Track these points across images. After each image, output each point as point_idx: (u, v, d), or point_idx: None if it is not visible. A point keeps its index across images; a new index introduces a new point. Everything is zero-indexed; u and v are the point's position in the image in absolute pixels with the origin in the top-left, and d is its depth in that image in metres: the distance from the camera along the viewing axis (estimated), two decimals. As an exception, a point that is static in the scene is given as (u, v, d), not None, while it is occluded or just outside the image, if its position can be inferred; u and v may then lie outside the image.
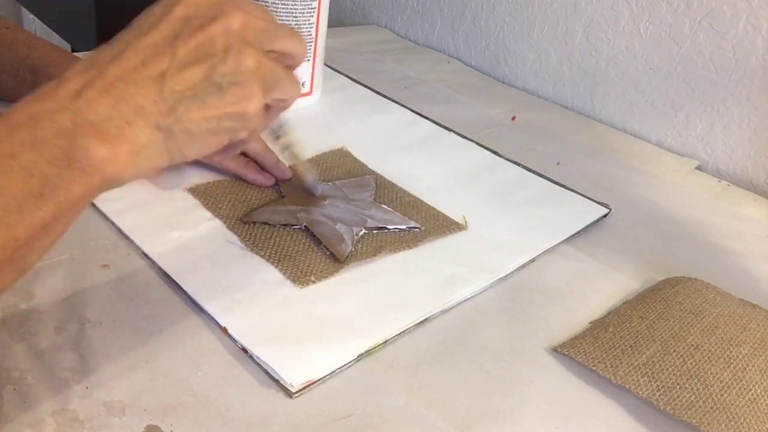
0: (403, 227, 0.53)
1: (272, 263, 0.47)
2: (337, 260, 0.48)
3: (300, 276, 0.46)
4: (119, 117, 0.31)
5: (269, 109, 0.37)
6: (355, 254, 0.49)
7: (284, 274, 0.47)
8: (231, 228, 0.50)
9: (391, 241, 0.52)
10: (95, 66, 0.31)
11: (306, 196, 0.55)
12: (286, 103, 0.38)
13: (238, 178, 0.56)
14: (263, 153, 0.56)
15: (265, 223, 0.51)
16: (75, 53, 0.69)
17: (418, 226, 0.53)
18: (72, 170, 0.29)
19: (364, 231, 0.52)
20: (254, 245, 0.49)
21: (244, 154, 0.56)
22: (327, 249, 0.49)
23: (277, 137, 0.47)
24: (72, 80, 0.31)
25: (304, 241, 0.50)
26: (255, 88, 0.34)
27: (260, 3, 0.65)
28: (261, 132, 0.39)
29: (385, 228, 0.53)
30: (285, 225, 0.51)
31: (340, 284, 0.47)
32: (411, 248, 0.51)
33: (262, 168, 0.57)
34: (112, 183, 0.31)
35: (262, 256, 0.48)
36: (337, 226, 0.51)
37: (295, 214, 0.52)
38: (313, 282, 0.46)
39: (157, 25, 0.33)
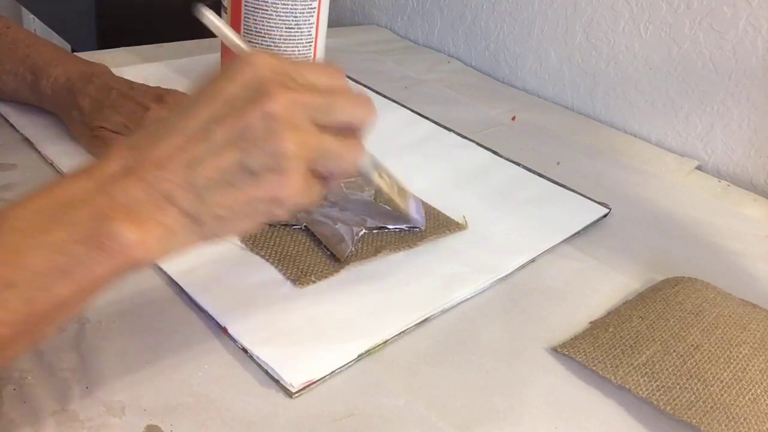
0: (404, 227, 0.53)
1: (272, 263, 0.47)
2: (337, 260, 0.48)
3: (300, 276, 0.46)
4: (151, 202, 0.31)
5: (327, 179, 0.35)
6: (356, 254, 0.49)
7: (284, 274, 0.47)
8: None
9: (392, 240, 0.52)
10: (137, 148, 0.32)
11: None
12: (344, 173, 0.36)
13: None
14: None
15: (265, 223, 0.51)
16: (75, 53, 0.69)
17: (418, 226, 0.53)
18: (100, 252, 0.29)
19: (364, 231, 0.52)
20: (254, 245, 0.49)
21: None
22: (327, 249, 0.49)
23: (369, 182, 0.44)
24: (114, 160, 0.31)
25: (304, 241, 0.50)
26: (294, 172, 0.32)
27: (260, 6, 0.65)
28: (314, 206, 0.36)
29: (385, 228, 0.52)
30: (285, 225, 0.51)
31: (340, 284, 0.47)
32: (411, 248, 0.51)
33: None
34: (138, 265, 0.31)
35: (262, 256, 0.48)
36: (337, 226, 0.51)
37: (295, 214, 0.52)
38: (313, 282, 0.46)
39: (201, 104, 0.32)
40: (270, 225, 0.51)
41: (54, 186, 0.31)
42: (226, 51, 0.70)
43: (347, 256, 0.49)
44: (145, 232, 0.30)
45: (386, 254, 0.50)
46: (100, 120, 0.54)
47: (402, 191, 0.48)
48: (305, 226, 0.51)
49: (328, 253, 0.49)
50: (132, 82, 0.59)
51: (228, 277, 0.46)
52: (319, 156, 0.33)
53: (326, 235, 0.50)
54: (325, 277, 0.47)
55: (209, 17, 0.37)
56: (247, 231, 0.34)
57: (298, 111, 0.32)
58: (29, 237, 0.29)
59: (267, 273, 0.47)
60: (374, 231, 0.52)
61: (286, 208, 0.34)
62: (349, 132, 0.36)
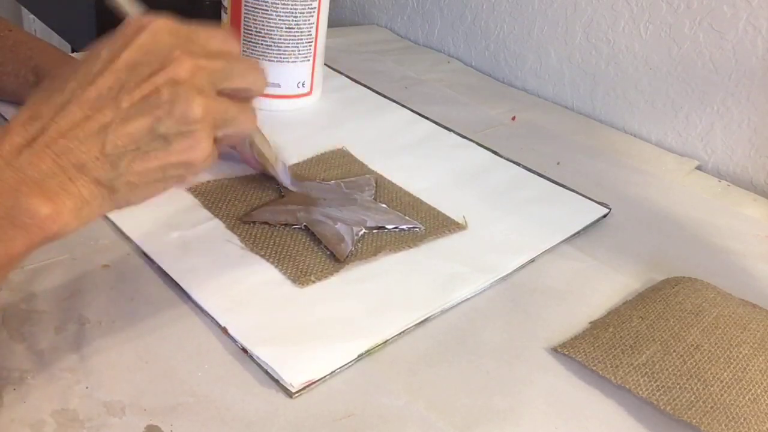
0: (403, 227, 0.53)
1: (272, 263, 0.47)
2: (337, 260, 0.48)
3: (300, 276, 0.46)
4: (61, 173, 0.31)
5: (223, 139, 0.36)
6: (356, 254, 0.49)
7: (284, 274, 0.47)
8: (231, 228, 0.50)
9: (391, 240, 0.52)
10: (39, 118, 0.31)
11: (306, 195, 0.55)
12: (242, 135, 0.37)
13: (239, 177, 0.56)
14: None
15: (265, 223, 0.51)
16: (75, 53, 0.69)
17: (418, 225, 0.53)
18: (14, 228, 0.30)
19: (364, 231, 0.52)
20: (254, 245, 0.49)
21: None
22: (327, 249, 0.49)
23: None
24: (16, 133, 0.31)
25: (304, 240, 0.50)
26: (202, 136, 0.33)
27: (259, 6, 0.65)
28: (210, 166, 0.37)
29: (385, 228, 0.53)
30: (285, 225, 0.51)
31: (340, 284, 0.47)
32: (411, 248, 0.51)
33: None
34: (54, 238, 0.31)
35: (262, 256, 0.48)
36: (337, 226, 0.51)
37: (295, 214, 0.52)
38: (313, 282, 0.46)
39: (103, 72, 0.32)
40: (270, 225, 0.51)
41: None
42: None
43: (347, 256, 0.49)
44: (58, 205, 0.30)
45: (386, 254, 0.50)
46: None
47: (275, 153, 0.53)
48: (305, 225, 0.51)
49: (328, 252, 0.49)
50: None
51: (228, 277, 0.46)
52: (221, 120, 0.34)
53: (326, 234, 0.50)
54: (325, 277, 0.47)
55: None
56: (157, 194, 0.35)
57: (202, 76, 0.33)
58: None
59: (267, 273, 0.47)
60: (374, 231, 0.52)
61: (196, 171, 0.34)
62: (243, 97, 0.36)
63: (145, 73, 0.32)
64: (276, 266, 0.47)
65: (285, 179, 0.55)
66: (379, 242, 0.51)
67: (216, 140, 0.35)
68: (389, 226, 0.53)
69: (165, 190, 0.35)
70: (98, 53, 0.32)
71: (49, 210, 0.30)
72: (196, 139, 0.33)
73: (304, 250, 0.49)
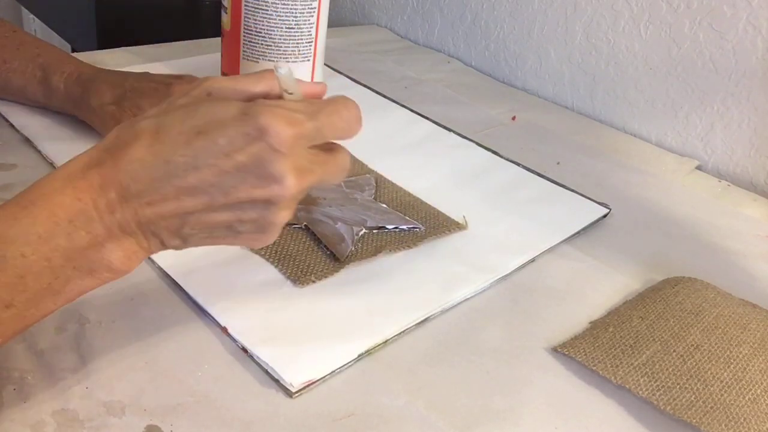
0: (404, 227, 0.53)
1: (272, 263, 0.47)
2: (337, 260, 0.48)
3: (300, 276, 0.46)
4: (140, 234, 0.33)
5: None
6: (356, 254, 0.49)
7: (284, 273, 0.47)
8: None
9: (391, 240, 0.52)
10: (137, 180, 0.32)
11: (306, 195, 0.54)
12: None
13: None
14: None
15: None
16: (75, 53, 0.69)
17: (418, 225, 0.53)
18: (91, 276, 0.32)
19: (364, 230, 0.52)
20: None
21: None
22: (327, 248, 0.49)
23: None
24: (112, 188, 0.32)
25: (304, 240, 0.50)
26: (274, 235, 0.35)
27: (260, 6, 0.65)
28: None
29: (385, 227, 0.53)
30: (285, 224, 0.51)
31: (340, 284, 0.47)
32: (411, 248, 0.51)
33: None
34: (116, 279, 0.34)
35: (262, 256, 0.48)
36: (337, 226, 0.51)
37: (296, 213, 0.52)
38: (313, 282, 0.46)
39: (212, 164, 0.32)
40: None
41: (52, 200, 0.31)
42: (226, 50, 0.70)
43: (347, 256, 0.49)
44: (130, 259, 0.33)
45: (386, 254, 0.50)
46: (127, 106, 0.55)
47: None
48: (305, 225, 0.51)
49: (328, 252, 0.49)
50: (145, 71, 0.62)
51: (228, 277, 0.46)
52: (309, 187, 0.35)
53: (326, 234, 0.50)
54: (325, 276, 0.47)
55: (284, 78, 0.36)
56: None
57: (300, 194, 0.34)
58: (32, 263, 0.30)
59: (267, 273, 0.47)
60: (374, 231, 0.52)
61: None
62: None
63: (249, 183, 0.32)
64: (276, 266, 0.47)
65: None
66: (379, 242, 0.51)
67: None
68: (389, 226, 0.53)
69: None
70: (216, 137, 0.32)
71: (123, 264, 0.33)
72: (268, 237, 0.35)
73: (304, 249, 0.49)
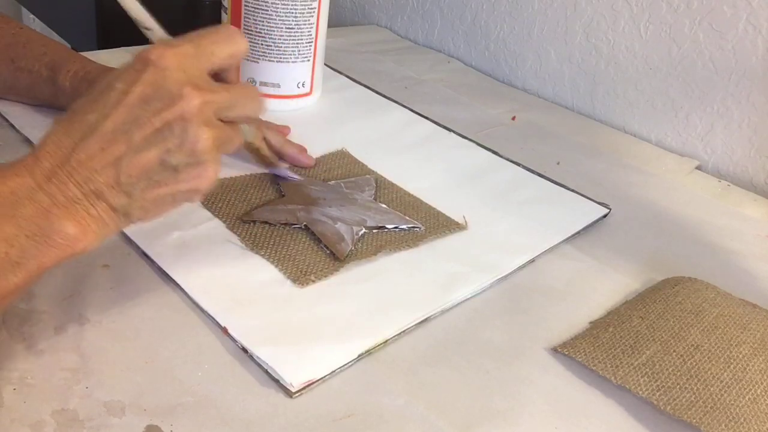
0: (403, 227, 0.53)
1: (272, 263, 0.47)
2: (337, 259, 0.48)
3: (300, 275, 0.46)
4: (84, 199, 0.34)
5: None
6: (355, 253, 0.49)
7: (284, 273, 0.47)
8: (231, 227, 0.50)
9: (391, 240, 0.52)
10: (62, 147, 0.34)
11: (306, 195, 0.55)
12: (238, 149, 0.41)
13: (239, 177, 0.56)
14: (285, 145, 0.59)
15: (265, 223, 0.51)
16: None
17: (418, 225, 0.53)
18: (47, 246, 0.33)
19: (364, 230, 0.52)
20: (254, 245, 0.49)
21: (268, 146, 0.59)
22: (327, 248, 0.49)
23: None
24: (45, 158, 0.34)
25: (304, 240, 0.50)
26: (210, 164, 0.36)
27: (260, 6, 0.65)
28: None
29: (385, 227, 0.53)
30: (285, 224, 0.51)
31: (340, 284, 0.47)
32: (411, 248, 0.51)
33: (287, 160, 0.60)
34: (78, 254, 0.35)
35: (262, 256, 0.48)
36: (337, 225, 0.51)
37: (295, 213, 0.52)
38: (313, 281, 0.46)
39: (117, 105, 0.34)
40: (270, 224, 0.51)
41: None
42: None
43: (347, 255, 0.49)
44: (83, 227, 0.34)
45: (386, 254, 0.50)
46: None
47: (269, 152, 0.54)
48: (305, 225, 0.51)
49: (328, 252, 0.49)
50: None
51: (228, 277, 0.46)
52: (224, 145, 0.37)
53: (326, 234, 0.50)
54: (325, 276, 0.47)
55: None
56: (166, 212, 0.38)
57: (208, 109, 0.36)
58: None
59: (267, 273, 0.47)
60: (374, 231, 0.52)
61: (203, 194, 0.38)
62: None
63: (156, 108, 0.34)
64: (276, 266, 0.47)
65: (286, 173, 0.56)
66: (378, 242, 0.51)
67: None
68: (389, 226, 0.53)
69: (174, 208, 0.38)
70: (113, 85, 0.35)
71: (76, 231, 0.34)
72: (204, 168, 0.36)
73: (304, 249, 0.49)
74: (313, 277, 0.47)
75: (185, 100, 0.34)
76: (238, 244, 0.49)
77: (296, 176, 0.57)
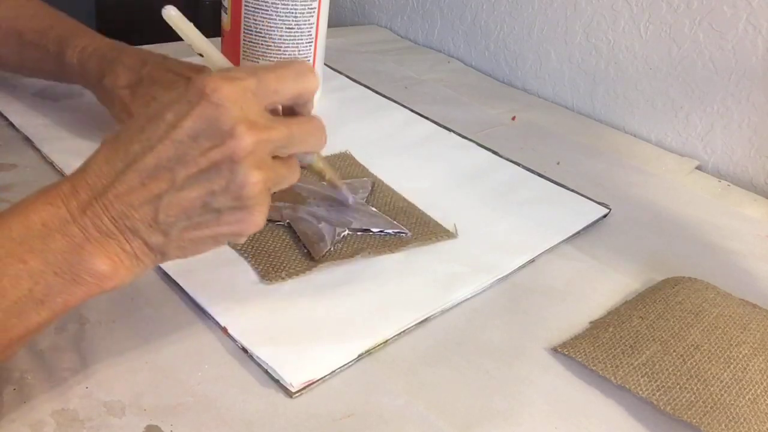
0: (389, 231, 0.52)
1: (245, 258, 0.47)
2: (312, 259, 0.48)
3: (271, 271, 0.46)
4: (119, 235, 0.32)
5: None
6: (333, 254, 0.49)
7: (255, 269, 0.46)
8: None
9: (374, 244, 0.51)
10: (102, 177, 0.32)
11: (296, 193, 0.54)
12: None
13: None
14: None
15: None
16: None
17: (405, 231, 0.53)
18: (75, 283, 0.31)
19: (347, 232, 0.51)
20: None
21: None
22: (305, 247, 0.49)
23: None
24: (83, 189, 0.32)
25: (284, 238, 0.50)
26: (257, 209, 0.33)
27: (260, 6, 0.65)
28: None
29: (370, 230, 0.52)
30: (269, 220, 0.51)
31: (340, 284, 0.47)
32: (393, 252, 0.51)
33: None
34: (108, 291, 0.33)
35: (238, 251, 0.48)
36: (320, 225, 0.51)
37: (281, 211, 0.51)
38: (284, 279, 0.46)
39: (163, 139, 0.32)
40: None
41: (26, 209, 0.31)
42: (226, 50, 0.70)
43: (323, 255, 0.48)
44: (115, 263, 0.32)
45: (365, 257, 0.49)
46: (141, 93, 0.54)
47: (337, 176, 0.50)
48: (288, 223, 0.51)
49: (305, 251, 0.49)
50: (163, 54, 0.58)
51: (228, 277, 0.46)
52: (275, 185, 0.35)
53: (307, 233, 0.50)
54: (297, 274, 0.46)
55: (175, 19, 0.36)
56: (205, 252, 0.36)
57: (262, 150, 0.32)
58: (7, 265, 0.30)
59: (267, 273, 0.47)
60: (358, 233, 0.52)
61: (246, 237, 0.35)
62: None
63: (205, 147, 0.31)
64: (248, 261, 0.47)
65: (347, 198, 0.54)
66: (360, 244, 0.51)
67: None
68: (374, 230, 0.52)
69: (215, 248, 0.36)
70: (163, 116, 0.32)
71: (108, 268, 0.32)
72: (250, 212, 0.33)
73: (281, 246, 0.49)
74: (283, 274, 0.46)
75: (237, 139, 0.31)
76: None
77: (354, 197, 0.54)
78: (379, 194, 0.58)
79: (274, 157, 0.34)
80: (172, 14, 0.36)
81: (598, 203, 0.62)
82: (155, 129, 0.32)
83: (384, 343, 0.43)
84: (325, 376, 0.39)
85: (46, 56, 0.57)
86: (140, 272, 0.34)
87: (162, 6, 0.37)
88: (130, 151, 0.32)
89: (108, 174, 0.32)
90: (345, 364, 0.41)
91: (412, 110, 0.76)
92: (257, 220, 0.34)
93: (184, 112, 0.31)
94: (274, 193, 0.54)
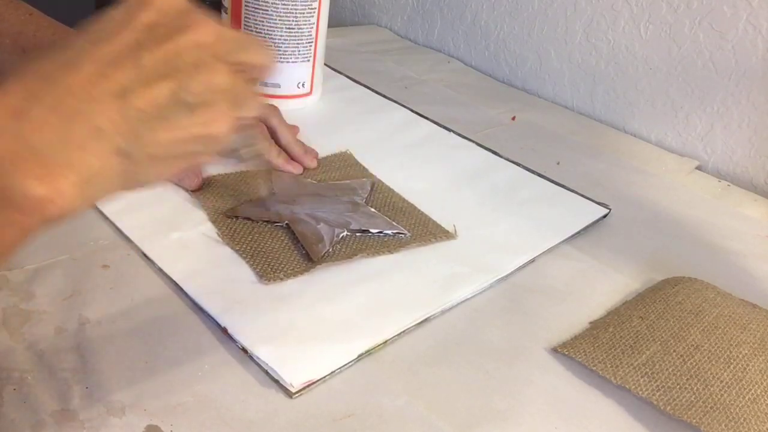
0: (388, 232, 0.52)
1: (244, 257, 0.47)
2: (311, 260, 0.48)
3: (269, 272, 0.46)
4: (70, 141, 0.26)
5: (236, 127, 0.33)
6: (331, 255, 0.49)
7: (254, 268, 0.46)
8: (213, 220, 0.50)
9: (373, 244, 0.51)
10: (41, 75, 0.26)
11: (295, 194, 0.54)
12: (250, 121, 0.33)
13: (235, 173, 0.56)
14: (293, 143, 0.59)
15: (248, 219, 0.51)
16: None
17: (404, 231, 0.52)
18: (6, 211, 0.25)
19: (346, 233, 0.51)
20: (231, 239, 0.49)
21: (276, 143, 0.58)
22: (303, 248, 0.49)
23: (239, 149, 0.43)
24: (12, 93, 0.26)
25: (282, 238, 0.50)
26: (225, 108, 0.30)
27: (260, 6, 0.65)
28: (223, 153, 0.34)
29: (369, 231, 0.52)
30: (267, 221, 0.51)
31: (340, 284, 0.47)
32: (391, 253, 0.51)
33: (291, 157, 0.59)
34: (55, 221, 0.26)
35: (236, 251, 0.48)
36: (319, 226, 0.51)
37: (279, 212, 0.51)
38: (282, 279, 0.46)
39: (118, 31, 0.28)
40: (252, 221, 0.50)
41: None
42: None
43: (322, 256, 0.48)
44: (57, 182, 0.26)
45: (362, 257, 0.49)
46: None
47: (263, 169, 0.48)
48: (287, 224, 0.51)
49: (304, 252, 0.49)
50: None
51: (228, 278, 0.46)
52: (240, 97, 0.31)
53: (305, 234, 0.50)
54: (295, 275, 0.46)
55: None
56: (170, 175, 0.31)
57: (224, 45, 0.30)
58: None
59: (267, 273, 0.47)
60: (357, 234, 0.51)
61: (215, 148, 0.31)
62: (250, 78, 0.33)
63: (165, 33, 0.28)
64: (247, 261, 0.47)
65: (266, 199, 0.53)
66: (359, 245, 0.50)
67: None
68: (373, 230, 0.52)
69: (179, 170, 0.31)
70: (109, 15, 0.29)
71: (45, 190, 0.25)
72: (220, 111, 0.30)
73: (280, 247, 0.49)
74: (282, 275, 0.46)
75: (198, 26, 0.29)
76: (216, 237, 0.49)
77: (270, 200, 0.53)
78: (379, 194, 0.58)
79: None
80: None
81: (598, 203, 0.62)
82: (105, 25, 0.28)
83: (384, 343, 0.43)
84: (325, 376, 0.39)
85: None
86: (95, 193, 0.28)
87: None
88: (76, 46, 0.28)
89: (50, 70, 0.27)
90: (345, 364, 0.41)
91: (412, 110, 0.76)
92: (226, 119, 0.30)
93: (137, 6, 0.29)
94: (275, 194, 0.54)
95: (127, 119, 0.27)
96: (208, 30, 0.29)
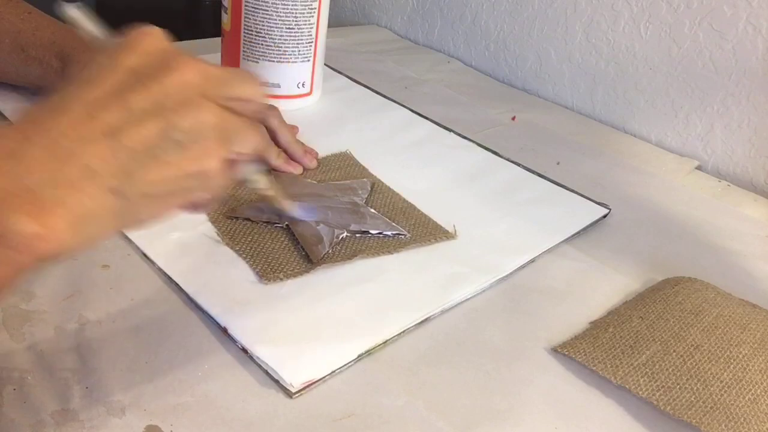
0: (388, 233, 0.52)
1: (243, 258, 0.47)
2: (310, 261, 0.48)
3: (269, 272, 0.46)
4: (63, 180, 0.26)
5: (233, 163, 0.33)
6: (332, 256, 0.49)
7: (254, 269, 0.46)
8: (213, 221, 0.50)
9: (373, 245, 0.51)
10: (34, 120, 0.27)
11: (295, 195, 0.54)
12: (250, 156, 0.34)
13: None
14: (292, 143, 0.59)
15: (248, 219, 0.51)
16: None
17: (404, 232, 0.52)
18: (2, 248, 0.25)
19: (345, 234, 0.51)
20: (231, 240, 0.49)
21: (276, 144, 0.58)
22: (303, 249, 0.49)
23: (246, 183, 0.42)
24: (7, 136, 0.26)
25: (282, 239, 0.50)
26: (215, 144, 0.31)
27: (260, 6, 0.65)
28: (225, 190, 0.34)
29: (369, 232, 0.52)
30: (267, 222, 0.51)
31: (340, 284, 0.47)
32: (391, 254, 0.51)
33: (290, 158, 0.59)
34: (49, 259, 0.27)
35: (236, 251, 0.48)
36: (318, 227, 0.51)
37: (279, 213, 0.51)
38: (282, 279, 0.46)
39: (105, 75, 0.29)
40: (252, 221, 0.50)
41: None
42: (226, 50, 0.70)
43: (322, 258, 0.48)
44: (50, 220, 0.26)
45: (362, 258, 0.49)
46: None
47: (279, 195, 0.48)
48: (287, 224, 0.51)
49: (303, 253, 0.49)
50: None
51: (228, 278, 0.46)
52: (231, 131, 0.32)
53: (305, 235, 0.50)
54: (295, 275, 0.46)
55: (79, 19, 0.35)
56: (168, 212, 0.31)
57: (209, 83, 0.31)
58: None
59: (267, 273, 0.47)
60: (357, 235, 0.51)
61: (211, 185, 0.32)
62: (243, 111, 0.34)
63: (150, 75, 0.29)
64: (246, 261, 0.47)
65: (296, 212, 0.51)
66: (359, 246, 0.50)
67: (230, 161, 0.33)
68: (373, 231, 0.52)
69: (176, 207, 0.32)
70: (93, 61, 0.30)
71: (38, 228, 0.25)
72: (210, 146, 0.30)
73: (280, 248, 0.49)
74: (282, 275, 0.46)
75: (182, 66, 0.30)
76: (216, 237, 0.49)
77: (311, 216, 0.52)
78: (379, 195, 0.58)
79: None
80: (74, 14, 0.35)
81: (598, 203, 0.62)
82: (88, 72, 0.29)
83: (384, 343, 0.43)
84: (325, 377, 0.40)
85: (49, 71, 0.58)
86: (91, 232, 0.28)
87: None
88: (63, 92, 0.28)
89: (41, 115, 0.27)
90: (345, 365, 0.41)
91: (412, 110, 0.76)
92: (217, 155, 0.31)
93: (121, 49, 0.30)
94: (274, 195, 0.54)
95: (117, 158, 0.28)
96: (193, 69, 0.30)
